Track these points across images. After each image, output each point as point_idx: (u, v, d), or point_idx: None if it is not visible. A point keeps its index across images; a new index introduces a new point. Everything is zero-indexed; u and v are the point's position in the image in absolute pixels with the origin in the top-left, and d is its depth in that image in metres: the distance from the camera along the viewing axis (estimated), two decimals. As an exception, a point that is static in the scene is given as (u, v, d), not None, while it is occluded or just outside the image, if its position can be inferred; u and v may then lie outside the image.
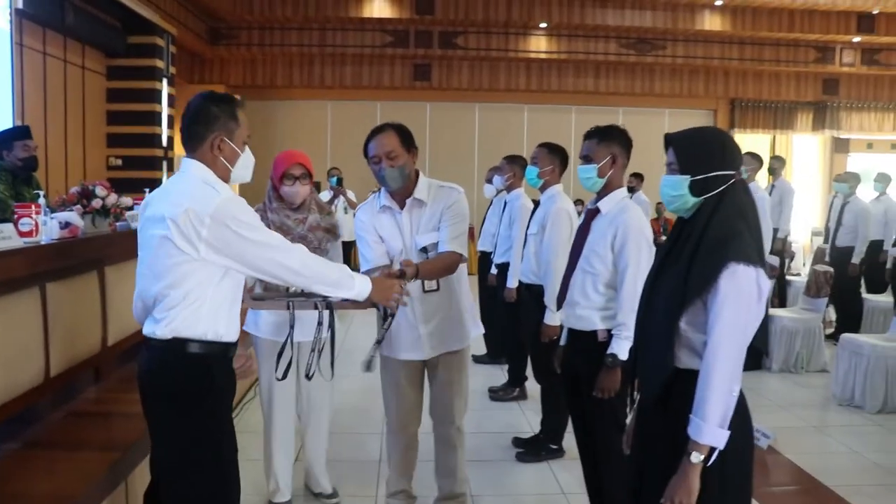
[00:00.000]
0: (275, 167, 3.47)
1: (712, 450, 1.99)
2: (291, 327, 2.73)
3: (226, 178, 2.38)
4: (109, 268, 4.40)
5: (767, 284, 2.04)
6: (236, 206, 2.25)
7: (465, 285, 3.37)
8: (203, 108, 2.34)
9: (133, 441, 3.35)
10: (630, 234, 3.01)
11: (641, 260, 2.96)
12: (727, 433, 1.98)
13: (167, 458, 2.38)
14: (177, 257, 2.24)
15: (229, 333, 2.38)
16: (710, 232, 2.06)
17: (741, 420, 2.08)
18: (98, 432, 3.57)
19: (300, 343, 3.03)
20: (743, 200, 2.11)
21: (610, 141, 3.12)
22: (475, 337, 3.43)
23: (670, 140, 2.22)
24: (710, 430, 1.97)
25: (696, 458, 1.98)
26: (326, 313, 2.66)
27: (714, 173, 2.10)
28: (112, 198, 4.27)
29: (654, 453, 2.18)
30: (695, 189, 2.11)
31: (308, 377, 2.82)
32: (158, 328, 2.29)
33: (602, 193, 3.16)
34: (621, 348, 2.96)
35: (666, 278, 2.14)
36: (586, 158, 3.13)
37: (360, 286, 2.47)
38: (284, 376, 2.83)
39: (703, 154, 2.12)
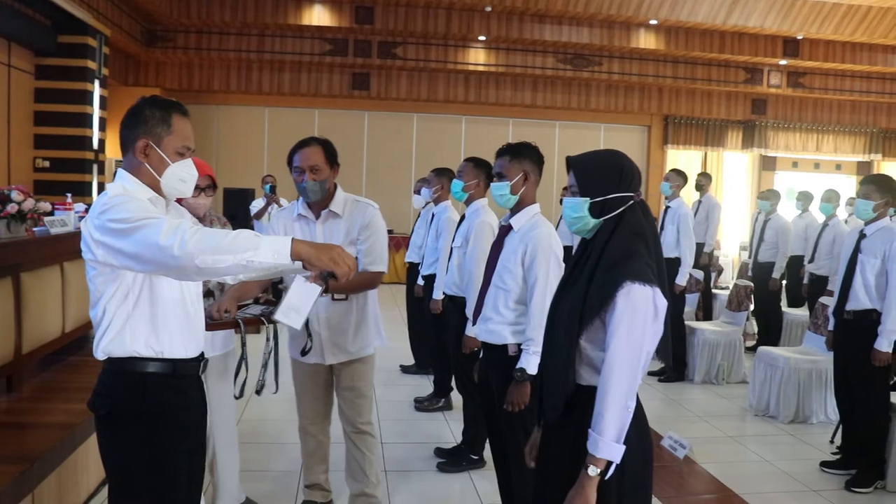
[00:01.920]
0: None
1: (610, 463, 2.03)
2: (243, 345, 2.82)
3: (154, 187, 2.22)
4: (26, 274, 4.30)
5: (664, 303, 2.08)
6: (118, 202, 2.06)
7: (374, 295, 3.50)
8: (135, 109, 2.21)
9: (43, 453, 3.28)
10: (539, 249, 3.07)
11: (550, 275, 3.02)
12: (622, 447, 2.02)
13: (110, 484, 2.27)
14: (89, 272, 2.17)
15: (174, 349, 2.21)
16: (608, 252, 2.12)
17: (639, 435, 2.15)
18: (7, 444, 3.47)
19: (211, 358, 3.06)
20: (641, 221, 2.18)
21: (522, 158, 3.19)
22: (378, 346, 3.59)
23: (571, 163, 2.27)
24: (605, 444, 2.01)
25: (593, 471, 2.02)
26: (271, 328, 2.79)
27: (613, 195, 2.17)
28: (29, 202, 4.18)
29: (556, 467, 2.22)
30: (594, 211, 2.17)
31: (257, 392, 2.90)
32: (96, 351, 2.21)
33: (515, 210, 3.22)
34: (529, 363, 3.01)
35: (568, 297, 2.19)
36: (499, 175, 3.19)
37: (270, 245, 1.96)
38: (241, 395, 2.92)
39: (602, 177, 2.19)
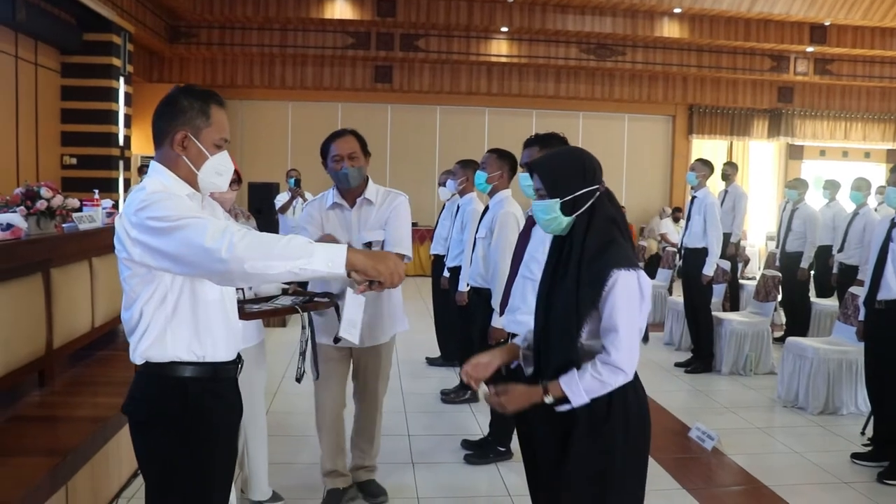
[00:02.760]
0: None
1: (564, 400, 2.17)
2: (303, 328, 2.90)
3: (191, 181, 2.13)
4: (55, 270, 4.36)
5: (648, 282, 2.22)
6: (157, 198, 1.97)
7: None
8: (171, 100, 2.10)
9: (75, 445, 3.32)
10: None
11: None
12: (585, 399, 2.16)
13: (147, 486, 2.21)
14: (123, 272, 2.08)
15: (216, 353, 2.14)
16: (588, 245, 2.22)
17: (639, 404, 2.27)
18: (40, 437, 3.53)
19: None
20: (611, 209, 2.28)
21: (551, 148, 3.16)
22: (401, 331, 3.76)
23: (534, 167, 2.34)
24: (576, 386, 2.15)
25: (549, 399, 2.19)
26: (305, 316, 2.85)
27: (580, 191, 2.24)
28: (58, 199, 4.22)
29: (550, 448, 2.29)
30: (566, 209, 2.25)
31: (298, 380, 2.95)
32: (131, 353, 2.13)
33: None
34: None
35: (558, 295, 2.26)
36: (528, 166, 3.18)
37: (325, 254, 1.88)
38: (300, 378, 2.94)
39: (566, 176, 2.26)
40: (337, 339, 3.20)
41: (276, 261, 1.86)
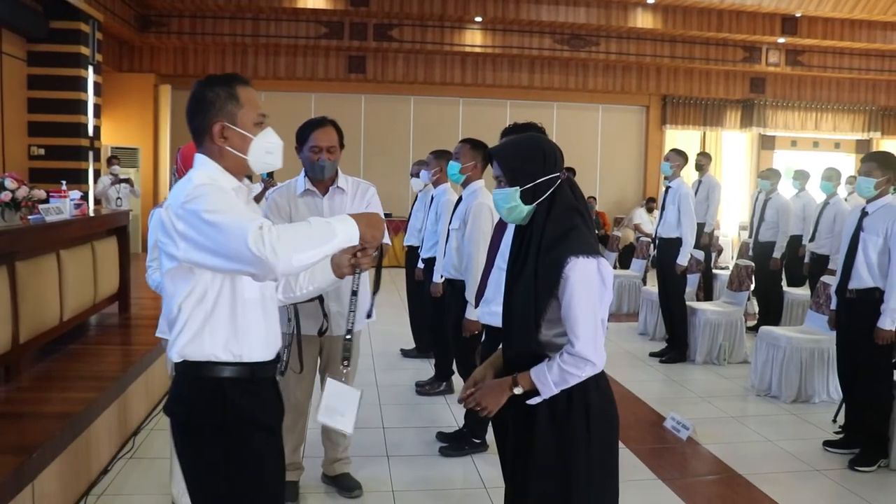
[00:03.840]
0: (187, 160, 3.12)
1: (534, 393, 2.17)
2: (289, 320, 2.85)
3: (241, 168, 2.10)
4: (21, 262, 4.28)
5: (609, 270, 2.19)
6: (204, 192, 1.94)
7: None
8: (197, 96, 2.08)
9: (42, 442, 3.26)
10: None
11: None
12: (554, 390, 2.14)
13: (191, 490, 2.14)
14: (165, 264, 2.04)
15: (252, 353, 2.09)
16: (547, 232, 2.18)
17: (601, 395, 2.25)
18: (5, 434, 3.46)
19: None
20: (572, 197, 2.24)
21: None
22: (369, 321, 3.73)
23: (493, 153, 2.31)
24: (544, 378, 2.14)
25: (518, 390, 2.19)
26: (291, 308, 2.82)
27: (540, 179, 2.21)
28: (23, 190, 4.14)
29: (526, 437, 2.28)
30: (526, 197, 2.22)
31: (281, 374, 2.89)
32: (169, 350, 2.09)
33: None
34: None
35: (519, 285, 2.24)
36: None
37: (344, 229, 1.97)
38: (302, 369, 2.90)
39: (526, 164, 2.23)
40: (322, 332, 3.15)
41: (310, 251, 1.90)
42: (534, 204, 2.22)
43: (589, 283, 2.12)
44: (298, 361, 2.81)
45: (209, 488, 2.08)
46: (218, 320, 2.03)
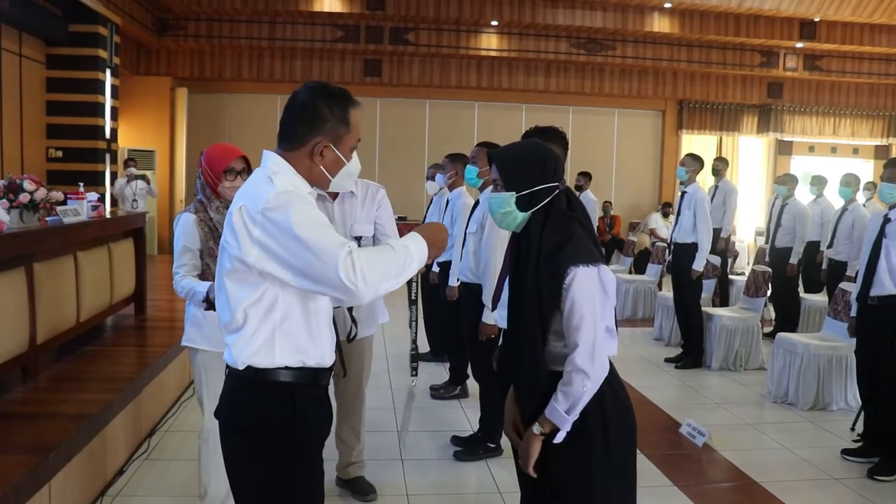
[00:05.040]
0: (213, 162, 3.17)
1: (557, 429, 2.14)
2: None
3: (318, 182, 2.06)
4: (39, 264, 4.30)
5: (610, 277, 2.16)
6: (289, 200, 1.88)
7: None
8: (311, 105, 1.99)
9: (59, 443, 3.27)
10: None
11: None
12: (569, 418, 2.12)
13: (242, 500, 2.09)
14: (226, 265, 1.98)
15: (322, 359, 2.06)
16: (545, 242, 2.15)
17: (616, 399, 2.23)
18: (22, 434, 3.48)
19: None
20: (567, 210, 2.21)
21: (551, 141, 3.08)
22: (382, 323, 3.86)
23: (494, 157, 2.28)
24: (554, 411, 2.13)
25: (537, 429, 2.17)
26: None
27: (537, 187, 2.17)
28: (41, 192, 4.16)
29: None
30: (521, 204, 2.19)
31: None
32: (229, 355, 2.03)
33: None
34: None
35: (522, 298, 2.20)
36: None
37: (417, 249, 1.96)
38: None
39: (525, 170, 2.19)
40: (350, 339, 3.17)
41: (392, 280, 1.90)
42: (529, 212, 2.18)
43: (590, 293, 2.10)
44: (342, 367, 2.79)
45: (266, 496, 2.03)
46: (291, 328, 1.99)
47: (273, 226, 1.86)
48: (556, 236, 2.14)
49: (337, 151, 2.02)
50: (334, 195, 3.56)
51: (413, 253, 1.93)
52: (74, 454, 3.41)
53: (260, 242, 1.88)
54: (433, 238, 2.01)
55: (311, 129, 1.99)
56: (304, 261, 1.83)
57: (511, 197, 2.18)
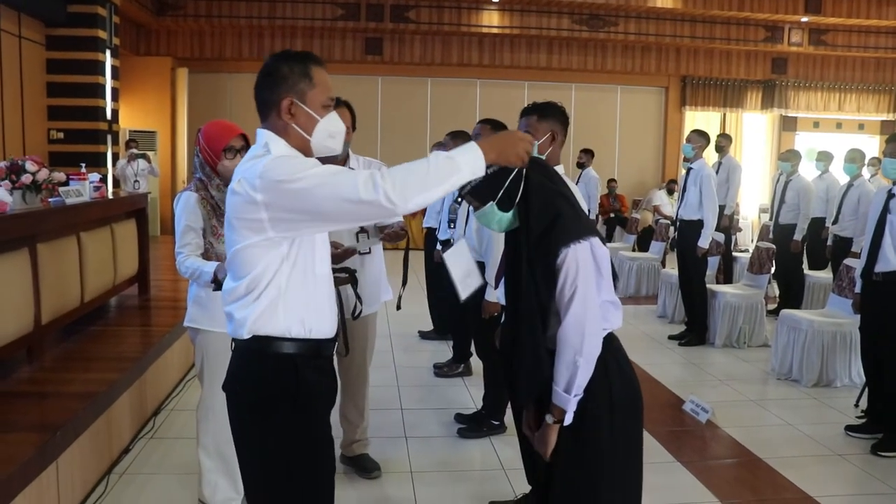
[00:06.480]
0: (212, 140, 3.13)
1: (564, 411, 2.15)
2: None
3: (304, 148, 2.05)
4: (42, 245, 4.30)
5: (602, 250, 2.17)
6: (284, 160, 1.94)
7: (381, 251, 3.78)
8: (270, 69, 2.03)
9: (65, 422, 3.29)
10: None
11: None
12: (572, 398, 2.13)
13: (251, 473, 2.10)
14: (238, 241, 1.99)
15: (322, 328, 2.07)
16: (532, 225, 2.14)
17: (621, 373, 2.24)
18: (29, 413, 3.50)
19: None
20: (542, 180, 2.18)
21: (550, 117, 3.08)
22: (385, 300, 3.87)
23: (465, 196, 2.24)
24: (557, 394, 2.14)
25: (549, 419, 2.17)
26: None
27: (506, 182, 2.15)
28: (43, 173, 4.15)
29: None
30: (504, 206, 2.18)
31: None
32: (234, 327, 2.05)
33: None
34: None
35: (519, 286, 2.18)
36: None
37: (466, 158, 1.87)
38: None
39: (486, 181, 2.13)
40: (355, 316, 3.16)
41: (433, 189, 1.83)
42: (514, 207, 2.17)
43: (583, 267, 2.10)
44: (344, 345, 2.77)
45: (276, 467, 2.05)
46: (293, 294, 2.01)
47: (276, 182, 1.88)
48: (542, 219, 2.13)
49: (305, 107, 2.02)
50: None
51: (459, 162, 1.85)
52: (81, 433, 3.43)
53: (269, 205, 1.89)
54: (501, 145, 1.93)
55: (275, 89, 2.02)
56: (320, 200, 1.85)
57: (492, 207, 2.17)
